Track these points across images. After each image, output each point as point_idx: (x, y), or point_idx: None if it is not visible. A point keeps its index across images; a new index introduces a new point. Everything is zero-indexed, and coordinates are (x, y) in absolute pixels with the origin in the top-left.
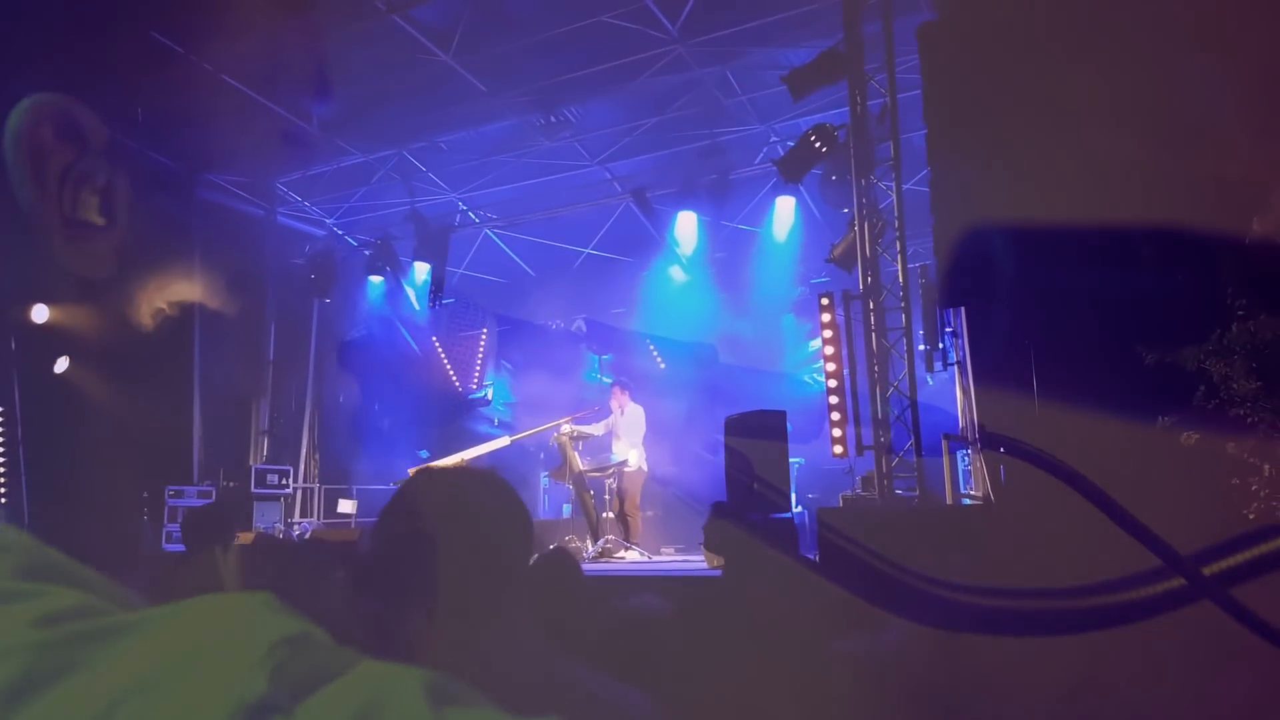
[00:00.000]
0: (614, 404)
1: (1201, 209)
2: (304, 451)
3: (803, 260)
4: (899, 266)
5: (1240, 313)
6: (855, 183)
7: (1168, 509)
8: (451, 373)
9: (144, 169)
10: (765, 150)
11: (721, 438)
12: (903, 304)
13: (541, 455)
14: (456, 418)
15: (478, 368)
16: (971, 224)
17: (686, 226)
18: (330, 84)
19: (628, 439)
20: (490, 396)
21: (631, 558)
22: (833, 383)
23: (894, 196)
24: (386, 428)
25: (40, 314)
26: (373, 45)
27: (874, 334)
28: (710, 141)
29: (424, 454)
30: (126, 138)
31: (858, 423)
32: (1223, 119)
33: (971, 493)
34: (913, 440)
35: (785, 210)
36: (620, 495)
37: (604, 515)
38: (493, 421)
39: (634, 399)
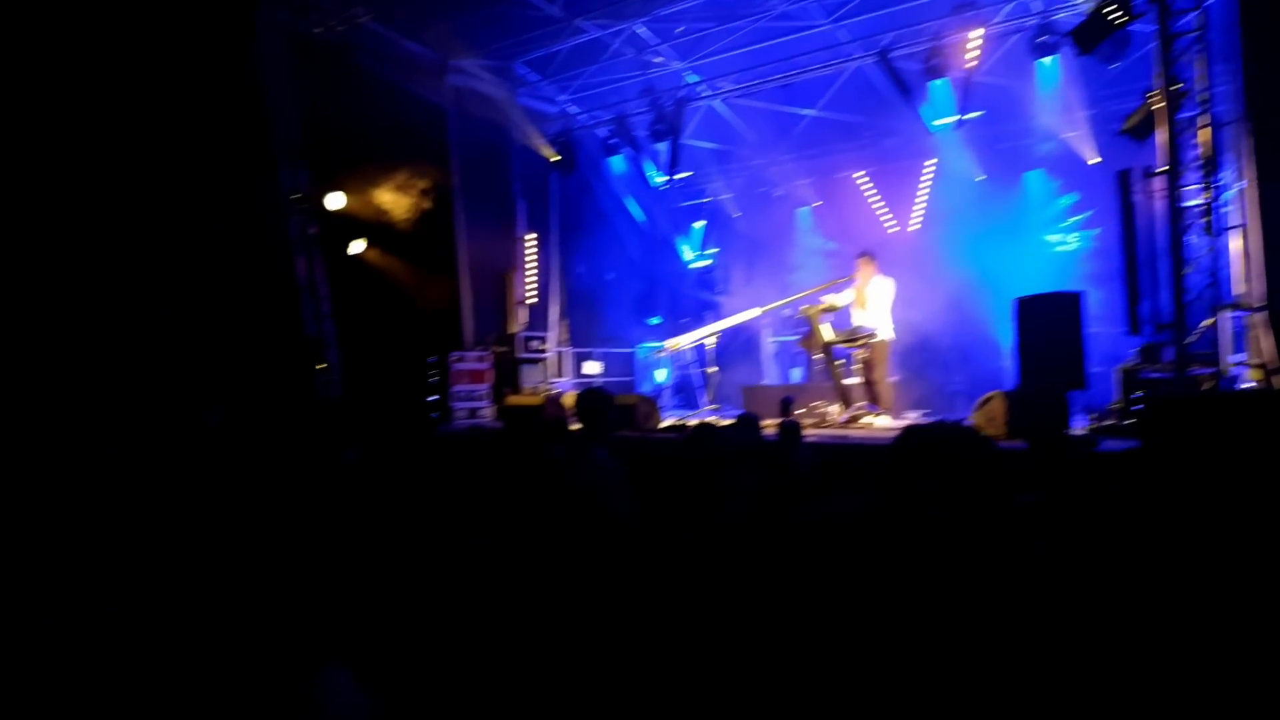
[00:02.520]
0: (859, 274)
1: None
2: (552, 318)
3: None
4: (1200, 145)
5: None
6: (1161, 56)
7: None
8: (676, 243)
9: (400, 57)
10: (1009, 5)
11: (970, 306)
12: (1205, 182)
13: (766, 320)
14: (681, 285)
15: (699, 235)
16: None
17: (937, 89)
18: None
19: (875, 309)
20: (712, 264)
21: (882, 423)
22: (1129, 260)
23: (1198, 69)
24: (620, 295)
25: (336, 201)
26: None
27: (1175, 211)
28: None
29: (654, 320)
30: (385, 28)
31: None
32: None
33: (1247, 360)
34: (1212, 319)
35: (1044, 66)
36: (869, 364)
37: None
38: (713, 289)
39: (881, 271)
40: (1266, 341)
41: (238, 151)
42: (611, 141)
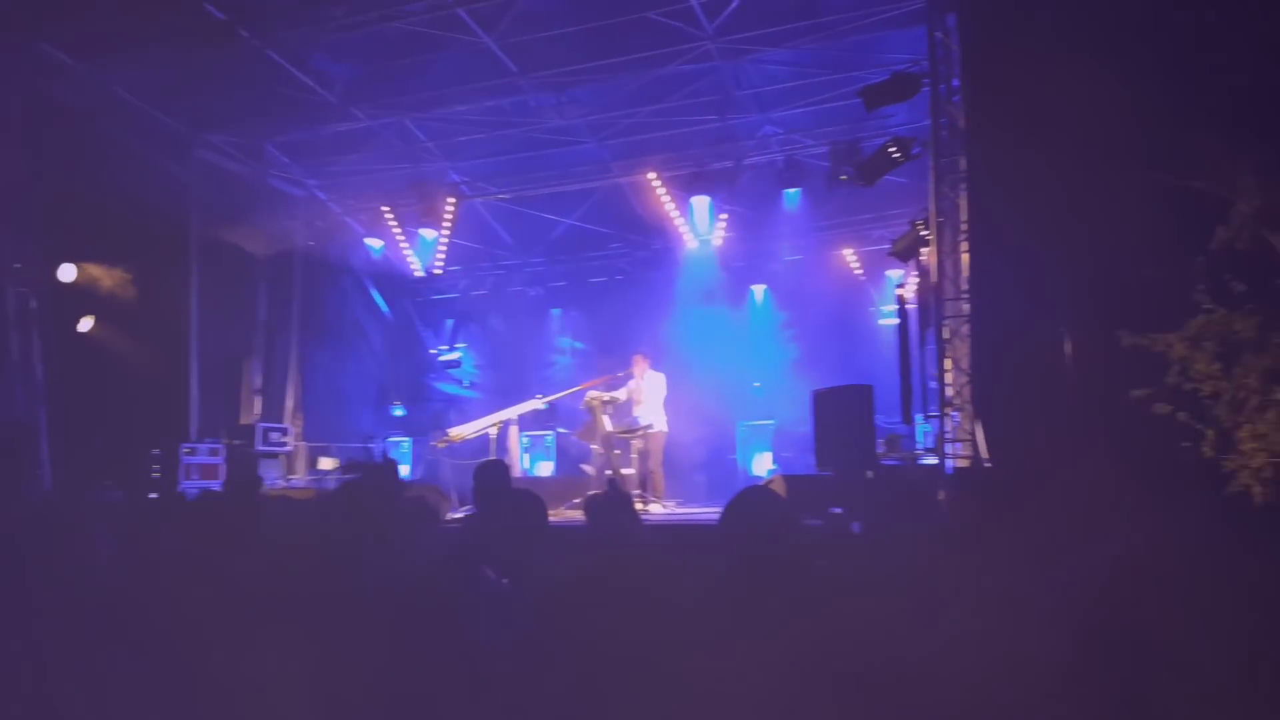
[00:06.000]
0: (635, 371)
1: (1176, 216)
2: (289, 409)
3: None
4: (964, 264)
5: (1206, 308)
6: (934, 191)
7: (1130, 465)
8: (423, 335)
9: (146, 127)
10: (754, 141)
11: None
12: (967, 295)
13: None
14: (426, 378)
15: (448, 329)
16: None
17: (700, 210)
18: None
19: (650, 403)
20: (460, 359)
21: (655, 510)
22: (903, 362)
23: (963, 204)
24: (361, 387)
25: (67, 273)
26: (413, 20)
27: (942, 325)
28: (721, 124)
29: (398, 411)
30: (131, 95)
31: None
32: (1195, 139)
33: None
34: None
35: (787, 195)
36: (645, 454)
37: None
38: (462, 383)
39: (654, 367)
40: (979, 434)
41: None
42: (365, 231)
